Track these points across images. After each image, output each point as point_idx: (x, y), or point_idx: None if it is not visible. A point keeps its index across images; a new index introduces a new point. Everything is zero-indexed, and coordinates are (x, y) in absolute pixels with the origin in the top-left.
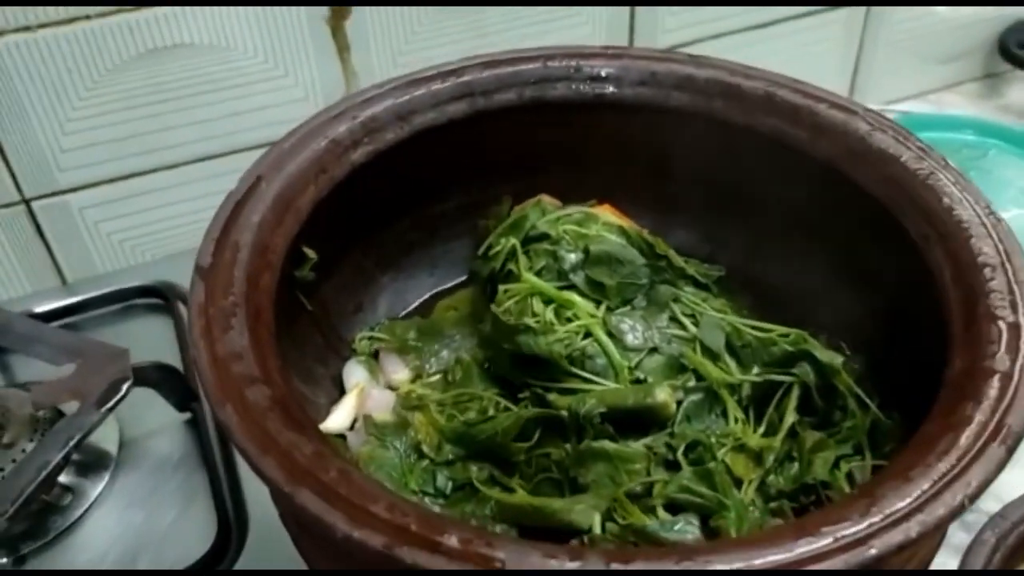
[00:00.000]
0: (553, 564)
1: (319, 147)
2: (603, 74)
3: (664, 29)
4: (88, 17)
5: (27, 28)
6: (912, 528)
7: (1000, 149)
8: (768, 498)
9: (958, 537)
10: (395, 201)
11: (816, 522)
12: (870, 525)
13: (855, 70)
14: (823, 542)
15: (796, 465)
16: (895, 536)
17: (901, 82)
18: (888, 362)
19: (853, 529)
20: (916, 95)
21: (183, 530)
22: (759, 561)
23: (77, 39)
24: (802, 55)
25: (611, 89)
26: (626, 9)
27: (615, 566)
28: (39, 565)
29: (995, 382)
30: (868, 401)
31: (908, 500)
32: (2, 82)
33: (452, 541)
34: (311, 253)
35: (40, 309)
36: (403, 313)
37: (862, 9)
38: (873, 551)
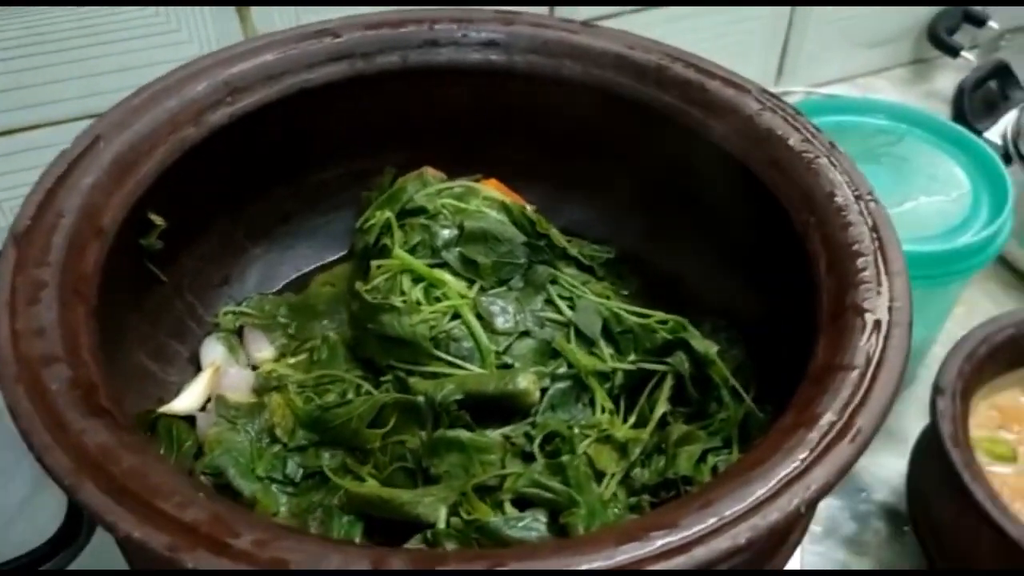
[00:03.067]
0: (351, 567)
1: (171, 106)
2: (492, 39)
3: None
4: None
5: None
6: (741, 534)
7: (915, 136)
8: (632, 491)
9: (849, 527)
10: (267, 167)
11: (643, 525)
12: (699, 530)
13: (783, 51)
14: (647, 548)
15: (663, 458)
16: (722, 543)
17: (829, 65)
18: (770, 353)
19: (680, 535)
20: (844, 79)
21: (33, 512)
22: (578, 567)
23: None
24: (729, 33)
25: (500, 56)
26: None
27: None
28: None
29: (851, 378)
30: (743, 392)
31: (743, 504)
32: None
33: (243, 543)
34: (158, 220)
35: None
36: (277, 288)
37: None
38: (696, 559)
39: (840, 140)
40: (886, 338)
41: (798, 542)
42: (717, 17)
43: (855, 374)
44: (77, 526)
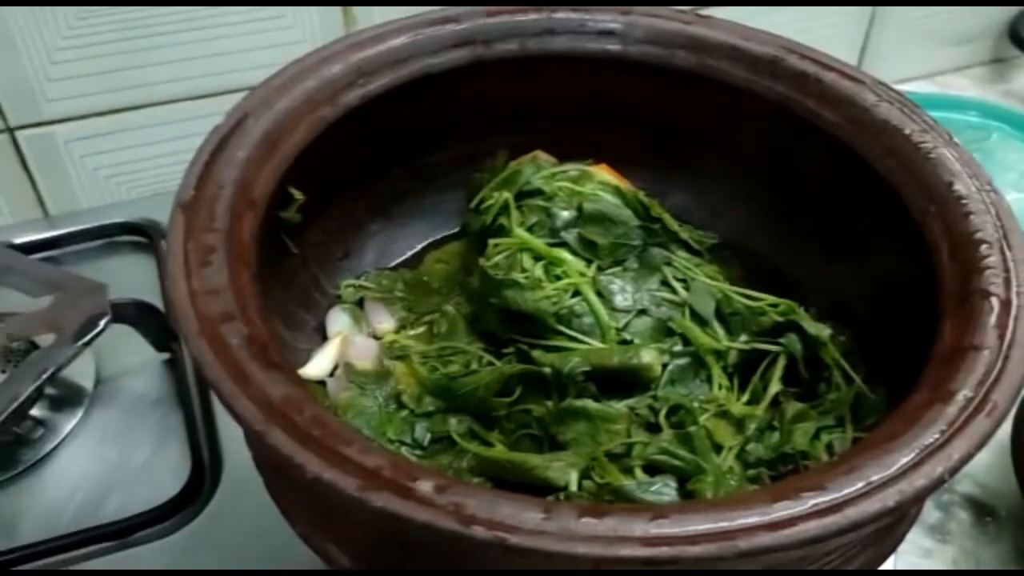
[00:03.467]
0: (526, 516)
1: (310, 86)
2: (609, 29)
3: None
4: None
5: None
6: (890, 497)
7: (1003, 133)
8: (747, 465)
9: (933, 516)
10: (389, 148)
11: (794, 487)
12: (848, 492)
13: (863, 47)
14: (800, 507)
15: (777, 434)
16: (872, 505)
17: (909, 62)
18: (878, 337)
19: (830, 496)
20: (923, 76)
21: (156, 470)
22: (734, 523)
23: None
24: (809, 29)
25: (616, 45)
26: None
27: (586, 520)
28: (7, 498)
29: (984, 357)
30: (853, 374)
31: (888, 470)
32: None
33: (425, 487)
34: (298, 194)
35: (20, 240)
36: (393, 264)
37: None
38: (849, 518)
39: None
40: (1016, 319)
41: (916, 516)
42: (796, 13)
43: (987, 354)
44: (199, 486)
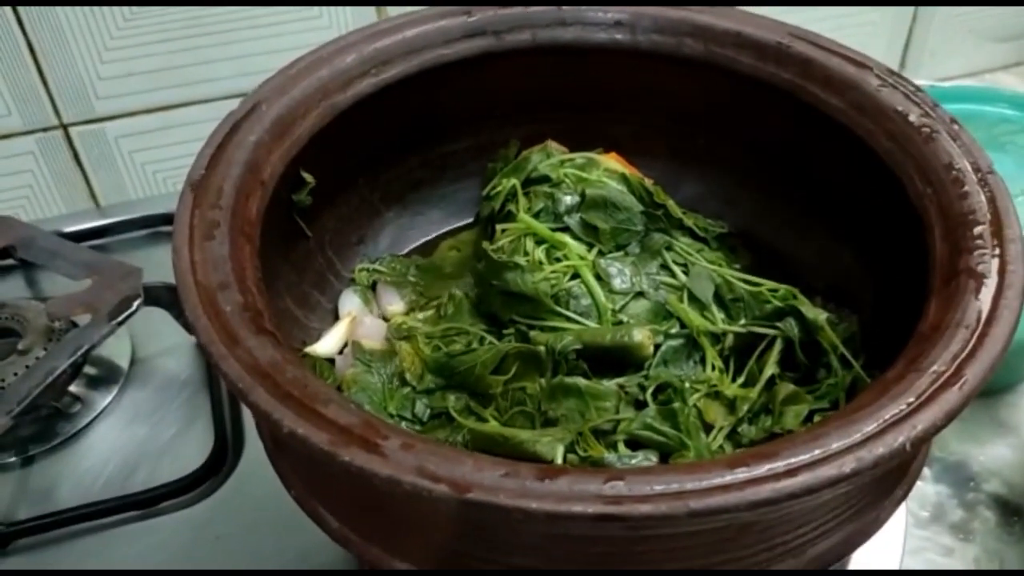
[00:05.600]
0: (485, 474)
1: (323, 75)
2: (617, 19)
3: None
4: None
5: None
6: (847, 464)
7: None
8: (738, 446)
9: (956, 514)
10: (403, 137)
11: (753, 454)
12: (804, 459)
13: (906, 45)
14: (756, 472)
15: (770, 418)
16: (828, 470)
17: (953, 60)
18: (880, 324)
19: (786, 462)
20: (968, 74)
21: (182, 446)
22: (686, 486)
23: None
24: (849, 25)
25: (625, 35)
26: None
27: (544, 480)
28: (45, 466)
29: (960, 333)
30: (851, 359)
31: (850, 438)
32: (44, 8)
33: (391, 445)
34: (309, 178)
35: (70, 229)
36: (407, 250)
37: None
38: (802, 482)
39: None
40: (997, 297)
41: (903, 497)
42: (837, 10)
43: (965, 330)
44: (222, 461)
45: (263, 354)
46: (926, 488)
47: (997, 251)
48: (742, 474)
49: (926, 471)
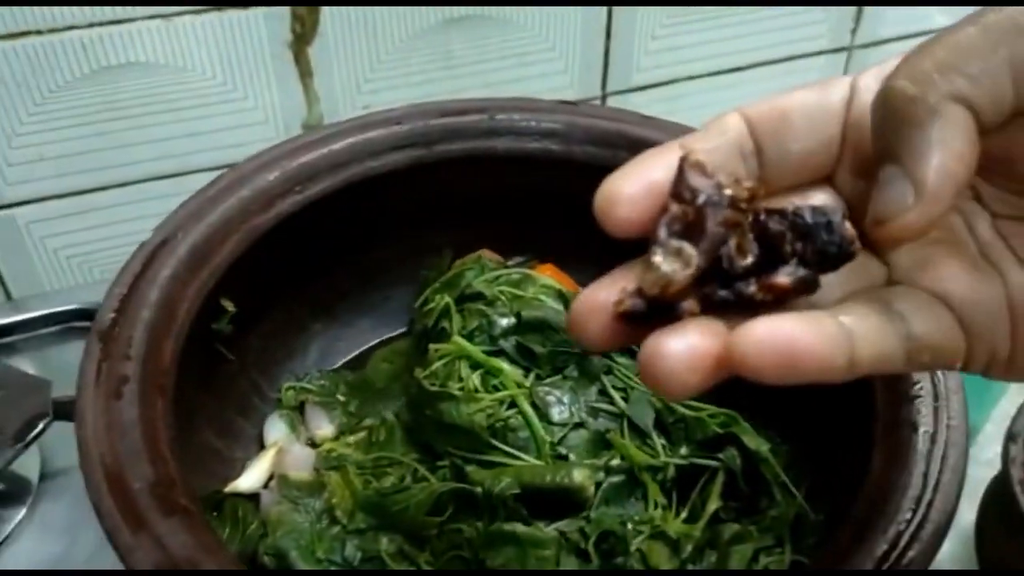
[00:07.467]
0: None
1: (244, 195)
2: (551, 130)
3: (639, 68)
4: (39, 32)
5: None
6: None
7: None
8: None
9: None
10: (329, 249)
11: None
12: None
13: None
14: None
15: (715, 556)
16: None
17: None
18: (820, 455)
19: None
20: None
21: (101, 564)
22: None
23: (27, 53)
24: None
25: (559, 145)
26: (600, 43)
27: None
28: None
29: (907, 500)
30: (795, 491)
31: None
32: None
33: None
34: (230, 306)
35: None
36: (338, 364)
37: (843, 54)
38: None
39: None
40: (943, 459)
41: None
42: (766, 84)
43: (911, 496)
44: None
45: (174, 541)
46: None
47: (939, 401)
48: None
49: None
